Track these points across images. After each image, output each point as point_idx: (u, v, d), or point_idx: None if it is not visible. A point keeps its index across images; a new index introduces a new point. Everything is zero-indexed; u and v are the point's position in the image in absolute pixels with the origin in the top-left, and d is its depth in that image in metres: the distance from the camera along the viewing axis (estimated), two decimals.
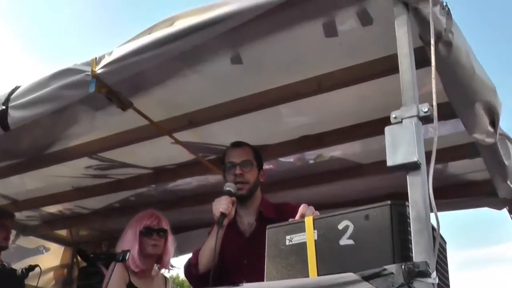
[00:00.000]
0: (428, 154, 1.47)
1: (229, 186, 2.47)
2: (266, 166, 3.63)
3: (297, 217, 2.01)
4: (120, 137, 3.18)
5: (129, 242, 2.93)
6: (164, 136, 3.16)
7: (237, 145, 2.71)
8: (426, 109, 1.48)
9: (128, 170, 3.74)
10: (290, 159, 3.62)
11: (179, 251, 3.33)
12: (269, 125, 3.19)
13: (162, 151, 3.48)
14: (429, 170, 1.42)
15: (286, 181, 3.84)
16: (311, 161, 3.63)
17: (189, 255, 2.71)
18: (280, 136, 3.32)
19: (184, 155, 3.49)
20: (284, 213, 2.50)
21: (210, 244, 2.38)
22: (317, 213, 2.04)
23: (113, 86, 2.47)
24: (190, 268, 2.56)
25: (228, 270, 2.48)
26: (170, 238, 3.10)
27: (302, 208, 2.03)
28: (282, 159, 3.61)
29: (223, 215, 2.33)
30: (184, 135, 3.22)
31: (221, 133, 3.23)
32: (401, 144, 1.43)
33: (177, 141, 3.24)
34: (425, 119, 1.49)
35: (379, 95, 2.71)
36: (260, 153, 2.77)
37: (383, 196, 3.83)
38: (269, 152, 3.35)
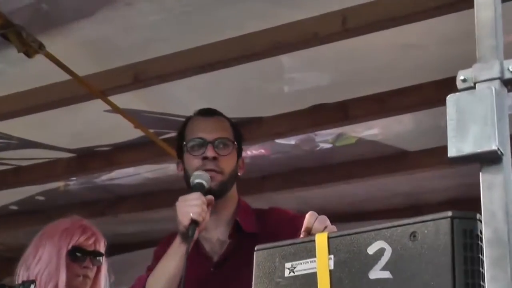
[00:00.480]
0: None
1: (200, 177, 2.43)
2: (254, 150, 3.64)
3: (302, 233, 2.02)
4: (23, 99, 3.17)
5: (47, 267, 2.92)
6: (94, 99, 3.15)
7: (209, 113, 2.68)
8: None
9: (35, 153, 3.74)
10: (292, 140, 3.64)
11: (116, 285, 3.34)
12: (262, 85, 3.20)
13: (90, 124, 3.49)
14: None
15: (285, 175, 3.86)
16: (326, 146, 3.64)
17: None
18: (280, 104, 3.33)
19: (126, 131, 3.51)
20: (273, 226, 2.50)
21: (169, 268, 2.37)
22: (333, 227, 2.04)
23: (12, 17, 2.45)
24: None
25: None
26: (105, 267, 3.11)
27: (308, 218, 2.02)
28: (279, 141, 3.63)
29: (194, 223, 2.32)
30: (127, 99, 3.23)
31: (185, 97, 3.23)
32: (472, 123, 1.42)
33: (114, 108, 3.24)
34: None
35: (438, 42, 2.73)
36: (240, 131, 2.76)
37: (439, 203, 3.92)
38: (260, 129, 3.37)
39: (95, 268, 3.06)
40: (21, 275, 2.90)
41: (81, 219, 3.11)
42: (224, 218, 2.58)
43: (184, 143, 2.57)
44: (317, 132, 3.55)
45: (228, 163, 2.55)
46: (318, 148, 3.67)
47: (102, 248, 3.08)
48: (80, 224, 3.06)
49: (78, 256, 3.00)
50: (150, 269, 2.53)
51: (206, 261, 2.54)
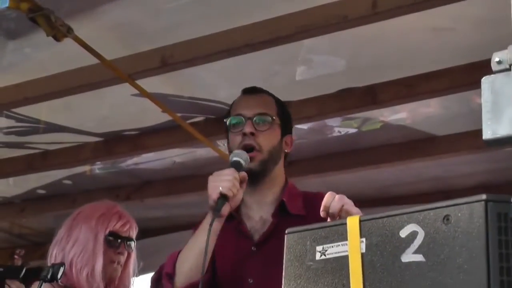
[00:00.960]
0: None
1: (238, 155, 2.44)
2: None
3: (321, 212, 2.03)
4: (51, 82, 3.19)
5: (83, 250, 2.93)
6: (122, 83, 3.15)
7: (252, 91, 2.69)
8: None
9: (62, 137, 3.77)
10: (307, 126, 3.64)
11: (141, 270, 3.35)
12: (289, 69, 3.19)
13: (118, 108, 3.50)
14: None
15: (311, 160, 3.86)
16: (350, 130, 3.63)
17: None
18: (307, 88, 3.33)
19: (153, 115, 3.52)
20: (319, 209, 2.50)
21: (200, 243, 2.37)
22: (350, 204, 2.05)
23: (40, 0, 2.46)
24: (160, 282, 2.56)
25: None
26: (135, 253, 3.12)
27: (327, 197, 2.04)
28: (299, 126, 3.61)
29: (223, 197, 2.33)
30: (154, 83, 3.23)
31: (213, 81, 3.23)
32: (508, 105, 1.41)
33: (142, 92, 3.24)
34: None
35: (469, 25, 2.69)
36: (287, 108, 2.78)
37: (471, 188, 3.81)
38: None
39: (126, 254, 3.08)
40: (54, 256, 2.91)
41: (115, 204, 3.12)
42: (268, 198, 2.59)
43: (227, 121, 2.59)
44: (335, 118, 3.54)
45: (266, 139, 2.55)
46: (342, 133, 3.66)
47: (134, 234, 3.10)
48: (116, 210, 3.07)
49: (114, 241, 3.01)
50: None
51: (245, 241, 2.54)
